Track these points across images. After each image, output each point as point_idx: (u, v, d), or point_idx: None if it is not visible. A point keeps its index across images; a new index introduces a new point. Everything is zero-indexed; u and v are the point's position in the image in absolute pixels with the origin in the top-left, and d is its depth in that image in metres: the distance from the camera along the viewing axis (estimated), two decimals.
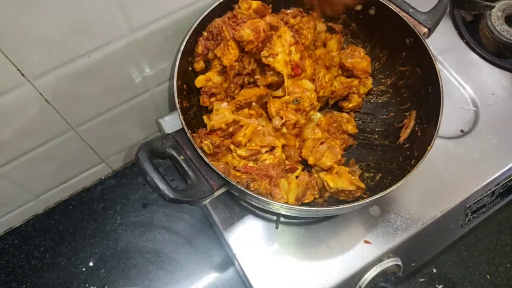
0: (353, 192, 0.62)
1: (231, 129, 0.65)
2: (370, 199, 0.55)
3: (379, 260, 0.68)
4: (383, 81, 0.77)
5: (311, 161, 0.67)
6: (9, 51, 0.48)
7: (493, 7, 0.88)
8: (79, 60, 0.56)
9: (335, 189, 0.62)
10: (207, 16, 0.64)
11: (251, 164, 0.63)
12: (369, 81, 0.75)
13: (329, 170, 0.66)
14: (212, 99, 0.68)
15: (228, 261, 0.77)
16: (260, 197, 0.54)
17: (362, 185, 0.63)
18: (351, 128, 0.73)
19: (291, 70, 0.66)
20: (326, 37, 0.76)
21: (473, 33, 0.91)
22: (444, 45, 0.89)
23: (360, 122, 0.77)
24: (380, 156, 0.72)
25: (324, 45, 0.76)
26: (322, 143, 0.67)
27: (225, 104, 0.66)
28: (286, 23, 0.71)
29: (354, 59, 0.74)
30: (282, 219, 0.69)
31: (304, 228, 0.69)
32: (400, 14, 0.67)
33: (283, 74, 0.65)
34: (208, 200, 0.54)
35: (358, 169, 0.70)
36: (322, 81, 0.70)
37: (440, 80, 0.62)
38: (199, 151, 0.54)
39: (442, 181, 0.74)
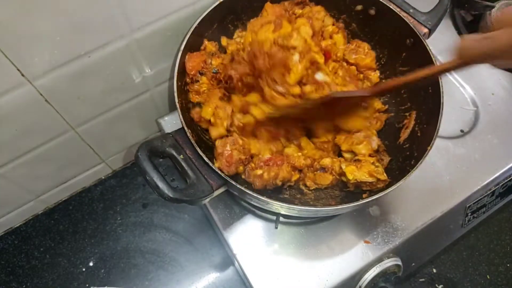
0: (374, 183, 0.61)
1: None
2: (370, 199, 0.56)
3: (379, 260, 0.68)
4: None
5: (344, 147, 0.67)
6: (9, 51, 0.48)
7: (493, 7, 0.88)
8: (79, 60, 0.56)
9: (354, 181, 0.62)
10: (207, 16, 0.64)
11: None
12: (376, 74, 0.74)
13: (357, 160, 0.65)
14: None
15: (228, 261, 0.77)
16: (259, 197, 0.54)
17: (383, 177, 0.61)
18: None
19: (323, 56, 0.65)
20: (333, 30, 0.74)
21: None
22: (444, 45, 0.89)
23: None
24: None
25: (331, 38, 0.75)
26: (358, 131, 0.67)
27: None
28: (293, 13, 0.70)
29: (358, 56, 0.73)
30: (282, 219, 0.69)
31: (304, 228, 0.69)
32: (400, 15, 0.67)
33: (320, 63, 0.63)
34: (208, 199, 0.54)
35: (387, 156, 0.68)
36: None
37: (440, 80, 0.62)
38: (199, 150, 0.54)
39: (442, 181, 0.74)
